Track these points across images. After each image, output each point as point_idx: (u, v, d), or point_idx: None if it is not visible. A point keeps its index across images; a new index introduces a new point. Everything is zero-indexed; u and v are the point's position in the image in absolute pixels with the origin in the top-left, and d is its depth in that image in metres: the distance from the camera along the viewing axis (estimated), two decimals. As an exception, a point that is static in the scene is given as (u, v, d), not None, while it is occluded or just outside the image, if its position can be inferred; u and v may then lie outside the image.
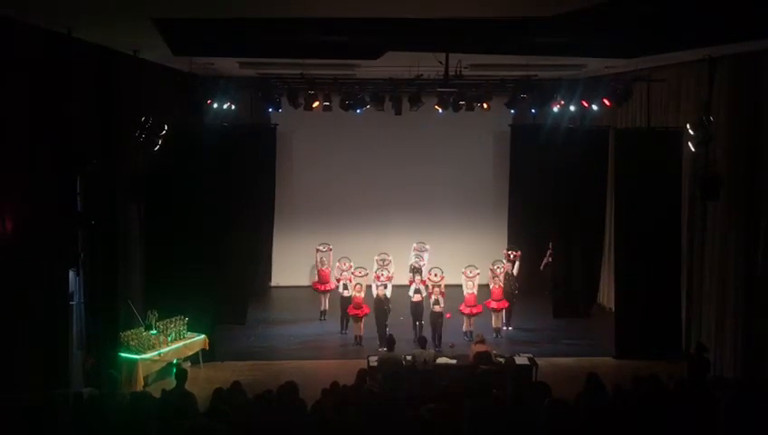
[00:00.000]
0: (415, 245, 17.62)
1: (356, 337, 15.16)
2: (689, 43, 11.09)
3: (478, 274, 15.54)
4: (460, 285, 15.62)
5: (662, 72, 14.32)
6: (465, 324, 15.31)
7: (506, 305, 15.80)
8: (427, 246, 17.62)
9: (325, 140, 19.23)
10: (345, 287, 15.51)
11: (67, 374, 11.00)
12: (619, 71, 14.87)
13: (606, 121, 16.54)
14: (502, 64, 13.66)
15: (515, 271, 16.20)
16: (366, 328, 15.11)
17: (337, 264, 16.52)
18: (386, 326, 14.68)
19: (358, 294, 15.21)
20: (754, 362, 12.02)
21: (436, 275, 15.52)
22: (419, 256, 17.24)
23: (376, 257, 16.54)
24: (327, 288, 16.84)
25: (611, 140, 15.88)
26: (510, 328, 16.00)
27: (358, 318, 15.12)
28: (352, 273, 15.71)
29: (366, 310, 15.16)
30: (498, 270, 15.87)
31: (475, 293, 15.40)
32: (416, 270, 16.45)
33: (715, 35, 10.40)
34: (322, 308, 16.87)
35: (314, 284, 17.30)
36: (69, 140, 10.75)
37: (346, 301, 15.45)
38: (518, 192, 19.06)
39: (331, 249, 17.32)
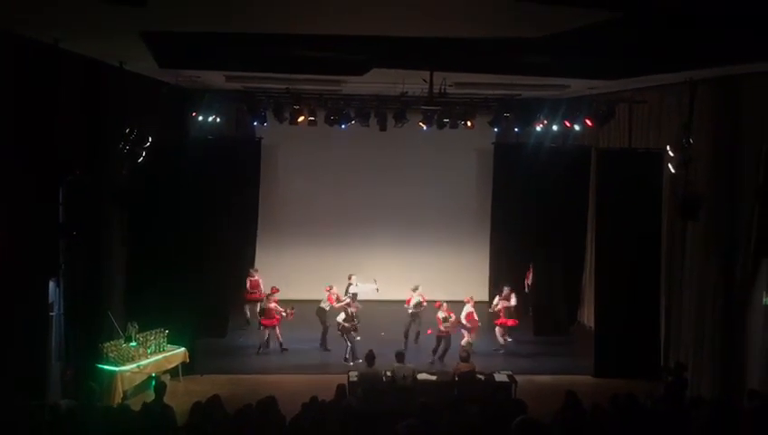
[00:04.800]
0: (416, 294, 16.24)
1: (261, 344, 15.51)
2: (671, 66, 11.23)
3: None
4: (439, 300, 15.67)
5: (644, 94, 14.49)
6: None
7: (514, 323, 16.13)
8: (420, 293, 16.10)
9: (309, 154, 19.27)
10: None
11: (45, 385, 10.92)
12: (602, 91, 15.04)
13: (588, 141, 16.70)
14: (486, 83, 13.77)
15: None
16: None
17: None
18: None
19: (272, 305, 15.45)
20: (732, 381, 12.12)
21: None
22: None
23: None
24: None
25: (593, 159, 16.06)
26: (509, 340, 16.16)
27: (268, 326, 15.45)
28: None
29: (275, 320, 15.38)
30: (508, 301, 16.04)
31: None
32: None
33: (697, 59, 10.55)
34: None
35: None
36: (53, 150, 10.72)
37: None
38: (501, 209, 19.13)
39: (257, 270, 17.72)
